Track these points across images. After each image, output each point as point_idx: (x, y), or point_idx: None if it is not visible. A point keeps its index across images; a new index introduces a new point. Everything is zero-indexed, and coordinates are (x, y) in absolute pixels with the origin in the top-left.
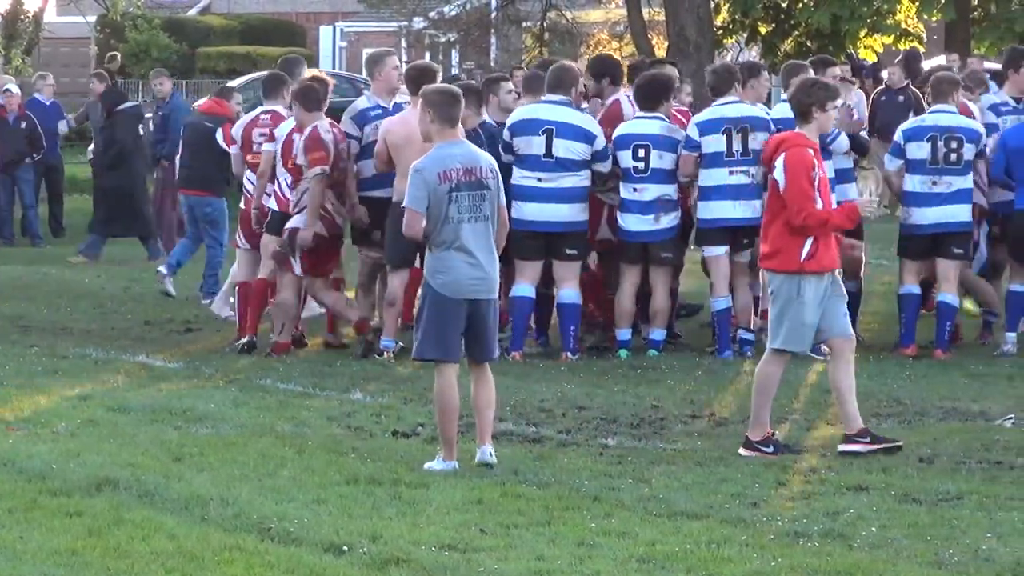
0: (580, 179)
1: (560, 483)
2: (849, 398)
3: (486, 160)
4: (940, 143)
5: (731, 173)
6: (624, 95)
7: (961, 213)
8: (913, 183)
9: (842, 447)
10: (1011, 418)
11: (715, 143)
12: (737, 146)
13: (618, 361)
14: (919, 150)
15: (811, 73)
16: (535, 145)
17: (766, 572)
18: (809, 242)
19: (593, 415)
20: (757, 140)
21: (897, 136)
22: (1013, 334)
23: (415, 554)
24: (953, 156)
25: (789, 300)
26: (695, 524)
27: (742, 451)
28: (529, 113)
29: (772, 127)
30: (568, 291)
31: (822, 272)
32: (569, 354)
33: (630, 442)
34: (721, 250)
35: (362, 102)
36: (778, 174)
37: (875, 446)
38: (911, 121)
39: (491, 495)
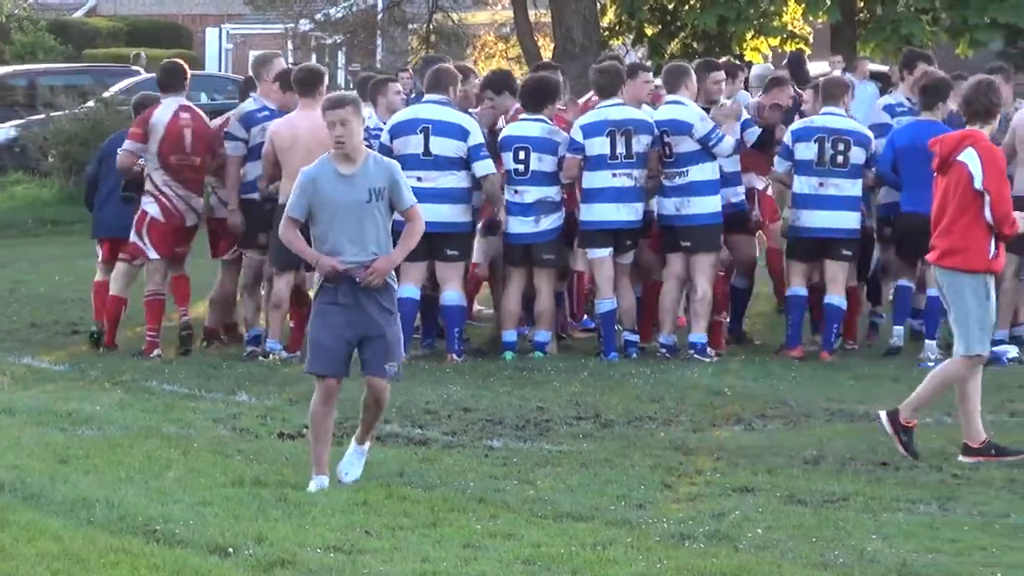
0: (459, 179)
1: (445, 485)
2: (976, 407)
3: None
4: (827, 145)
5: (614, 176)
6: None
7: (848, 216)
8: (800, 184)
9: (964, 458)
10: None
11: (599, 146)
12: (621, 149)
13: (503, 363)
14: (806, 151)
15: (694, 75)
16: (413, 144)
17: (652, 574)
18: (993, 240)
19: (479, 417)
20: (641, 143)
21: (786, 137)
22: (900, 328)
23: (300, 556)
24: (840, 158)
25: (978, 300)
26: (580, 526)
27: (962, 458)
28: (408, 114)
29: (655, 130)
30: (451, 293)
31: (998, 272)
32: (454, 356)
33: (515, 444)
34: (605, 252)
35: (248, 104)
36: (974, 169)
37: (1001, 458)
38: (800, 122)
39: (376, 497)
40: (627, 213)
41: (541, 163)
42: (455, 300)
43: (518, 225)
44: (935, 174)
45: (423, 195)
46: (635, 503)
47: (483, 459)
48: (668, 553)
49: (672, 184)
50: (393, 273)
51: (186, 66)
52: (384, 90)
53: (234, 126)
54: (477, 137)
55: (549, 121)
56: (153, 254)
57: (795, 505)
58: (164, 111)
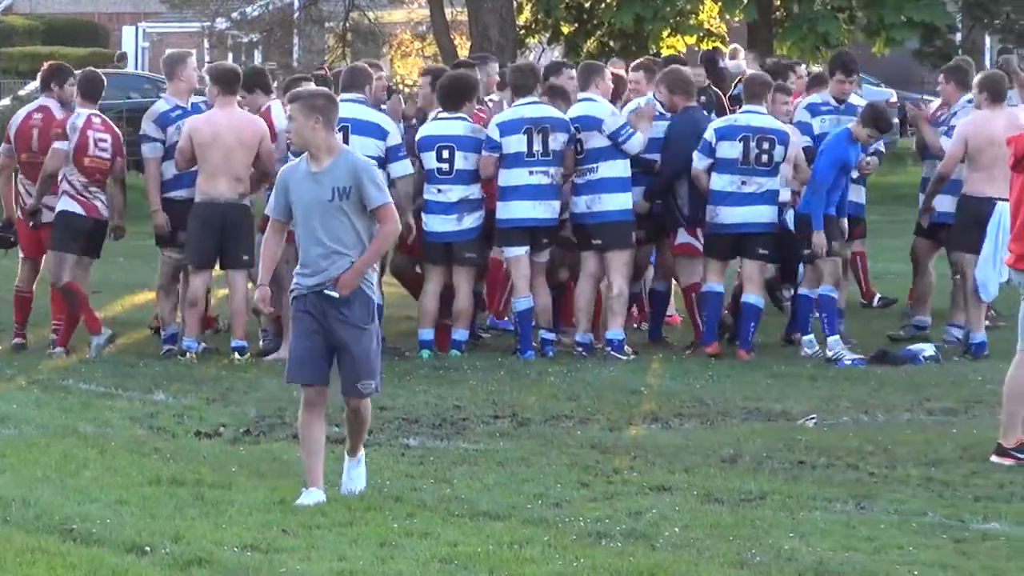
0: None
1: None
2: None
3: None
4: (752, 143)
5: (531, 173)
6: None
7: (766, 213)
8: (722, 182)
9: (996, 459)
10: (813, 418)
11: (516, 143)
12: (538, 146)
13: (420, 361)
14: (731, 149)
15: (608, 73)
16: None
17: (568, 573)
18: None
19: (395, 415)
20: (558, 141)
21: (708, 135)
22: (809, 336)
23: (217, 554)
24: (764, 157)
25: None
26: (497, 524)
27: (994, 458)
28: None
29: (571, 127)
30: None
31: None
32: None
33: (432, 442)
34: (521, 251)
35: (161, 105)
36: None
37: None
38: (723, 120)
39: (293, 496)
40: (543, 211)
41: (466, 162)
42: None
43: (440, 224)
44: (1012, 172)
45: None
46: (552, 502)
47: (399, 458)
48: (585, 552)
49: (583, 181)
50: (371, 281)
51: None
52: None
53: (149, 127)
54: (396, 137)
55: (469, 119)
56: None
57: (712, 504)
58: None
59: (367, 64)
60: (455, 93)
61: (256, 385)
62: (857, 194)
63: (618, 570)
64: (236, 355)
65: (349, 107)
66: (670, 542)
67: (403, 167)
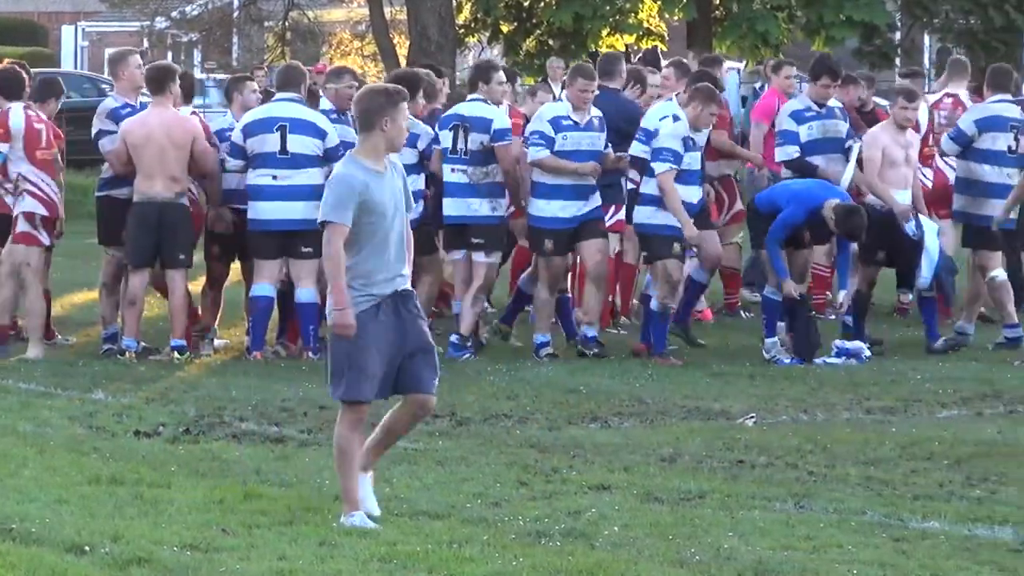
0: (314, 177)
1: (302, 483)
2: None
3: None
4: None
5: (452, 171)
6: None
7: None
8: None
9: None
10: (752, 417)
11: (445, 139)
12: (461, 144)
13: None
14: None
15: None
16: (270, 143)
17: (508, 572)
18: None
19: (334, 414)
20: (475, 141)
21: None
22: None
23: (157, 554)
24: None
25: None
26: (437, 524)
27: None
28: (263, 112)
29: (491, 128)
30: (306, 291)
31: None
32: (310, 353)
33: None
34: (459, 254)
35: (110, 102)
36: None
37: None
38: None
39: (233, 495)
40: (464, 209)
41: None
42: (310, 298)
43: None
44: None
45: (278, 193)
46: (491, 501)
47: None
48: (524, 551)
49: (485, 183)
50: None
51: (25, 73)
52: (241, 88)
53: (104, 123)
54: (335, 137)
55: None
56: (47, 240)
57: (651, 503)
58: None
59: (297, 64)
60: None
61: (195, 384)
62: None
63: (557, 569)
64: (175, 354)
65: (286, 106)
66: (609, 541)
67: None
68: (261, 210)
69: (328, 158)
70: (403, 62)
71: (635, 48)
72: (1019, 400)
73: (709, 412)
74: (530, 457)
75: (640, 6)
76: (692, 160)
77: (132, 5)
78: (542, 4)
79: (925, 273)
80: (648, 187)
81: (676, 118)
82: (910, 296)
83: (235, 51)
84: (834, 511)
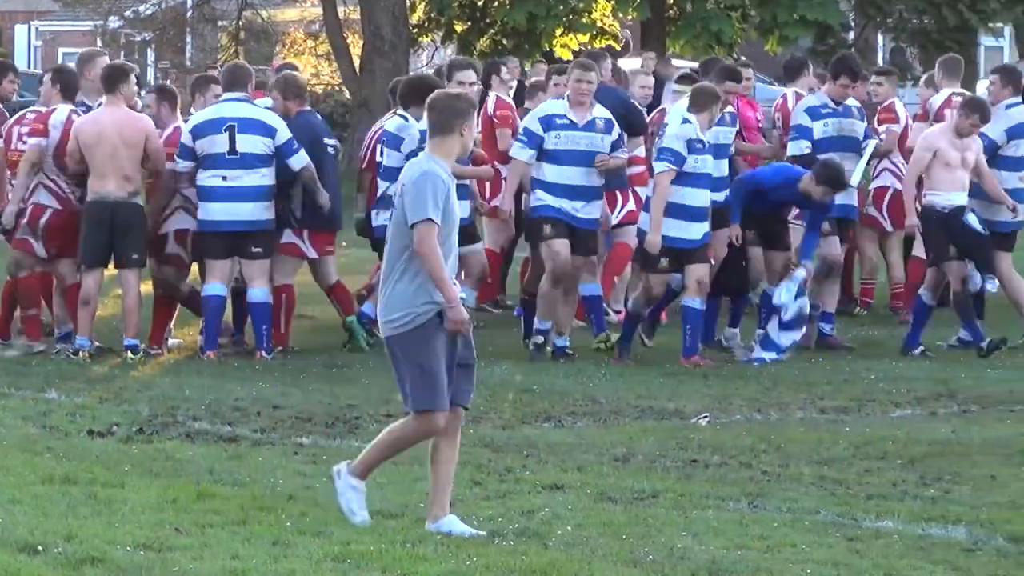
0: (263, 177)
1: (255, 482)
2: None
3: (404, 175)
4: None
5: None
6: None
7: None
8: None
9: None
10: (706, 416)
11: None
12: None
13: (314, 359)
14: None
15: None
16: (219, 143)
17: (461, 571)
18: None
19: (288, 414)
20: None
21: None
22: (734, 330)
23: (110, 554)
24: None
25: None
26: (390, 523)
27: None
28: (211, 113)
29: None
30: (257, 290)
31: None
32: (263, 353)
33: (325, 441)
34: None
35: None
36: None
37: None
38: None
39: (186, 495)
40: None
41: (388, 159)
42: (262, 297)
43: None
44: None
45: (227, 194)
46: None
47: (293, 457)
48: (478, 550)
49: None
50: None
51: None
52: (204, 88)
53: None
54: (285, 133)
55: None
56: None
57: (605, 503)
58: None
59: (243, 63)
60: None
61: (149, 384)
62: (848, 196)
63: (511, 569)
64: (129, 354)
65: (234, 106)
66: (563, 541)
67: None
68: (211, 211)
69: (280, 155)
70: (357, 61)
71: (588, 47)
72: (973, 400)
73: (663, 412)
74: (484, 456)
75: (594, 6)
76: (701, 162)
77: (85, 4)
78: (496, 4)
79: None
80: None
81: (685, 120)
82: (994, 284)
83: (189, 50)
84: (788, 510)
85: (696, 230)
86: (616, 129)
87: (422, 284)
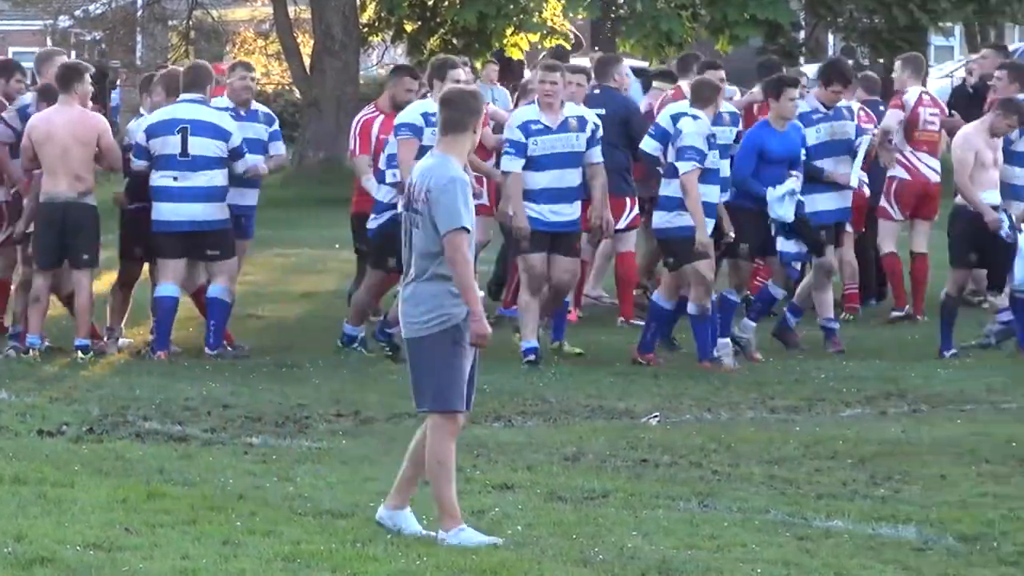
0: (214, 178)
1: (205, 482)
2: None
3: (426, 178)
4: None
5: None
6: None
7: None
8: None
9: None
10: (656, 416)
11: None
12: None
13: (263, 360)
14: None
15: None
16: (171, 144)
17: (412, 571)
18: None
19: (238, 414)
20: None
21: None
22: (726, 339)
23: (60, 553)
24: None
25: None
26: (341, 523)
27: None
28: (166, 114)
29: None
30: (218, 286)
31: None
32: (207, 350)
33: (275, 441)
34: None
35: (26, 98)
36: None
37: None
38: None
39: (136, 494)
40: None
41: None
42: (219, 294)
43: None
44: None
45: (178, 195)
46: None
47: (243, 456)
48: (428, 550)
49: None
50: None
51: None
52: (152, 89)
53: (14, 120)
54: (239, 137)
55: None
56: None
57: (555, 502)
58: None
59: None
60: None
61: (99, 384)
62: (843, 199)
63: (461, 568)
64: (79, 353)
65: (189, 108)
66: (513, 540)
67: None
68: (163, 211)
69: (233, 158)
70: (307, 61)
71: (539, 47)
72: (923, 399)
73: (613, 411)
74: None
75: (544, 5)
76: (713, 159)
77: (35, 4)
78: (446, 3)
79: (1019, 275)
80: (668, 189)
81: (696, 117)
82: (1000, 298)
83: (139, 50)
84: (738, 510)
85: (709, 226)
86: (591, 125)
87: (454, 286)
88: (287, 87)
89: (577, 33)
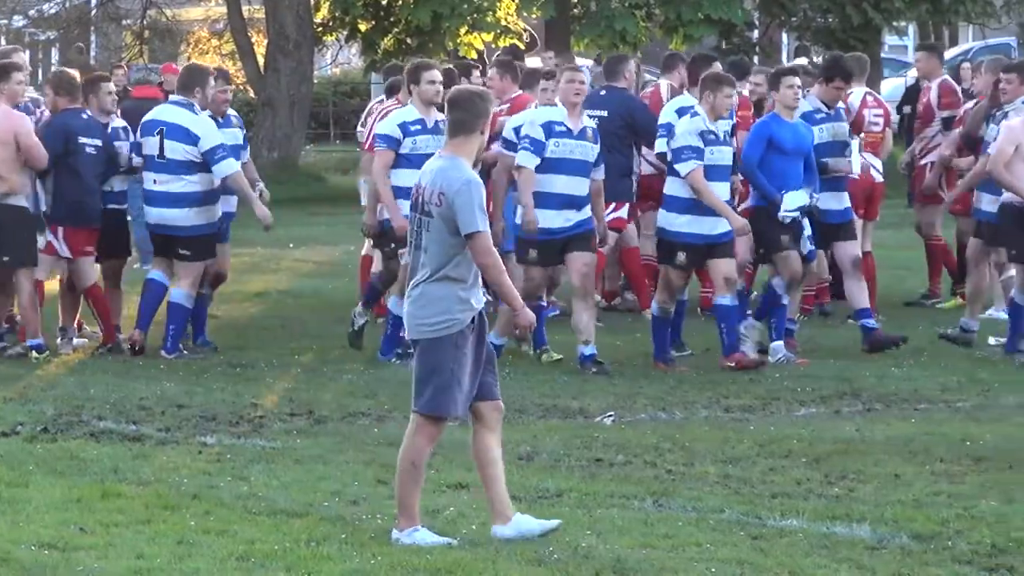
0: (187, 184)
1: (160, 481)
2: None
3: (438, 180)
4: None
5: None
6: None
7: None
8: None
9: None
10: (611, 415)
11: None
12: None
13: (217, 359)
14: None
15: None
16: (151, 146)
17: (366, 570)
18: None
19: (192, 413)
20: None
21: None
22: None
23: (15, 553)
24: None
25: None
26: (295, 522)
27: None
28: (153, 115)
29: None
30: (178, 291)
31: None
32: (164, 352)
33: (229, 440)
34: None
35: None
36: None
37: None
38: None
39: (91, 494)
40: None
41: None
42: (179, 298)
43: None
44: None
45: (157, 197)
46: (349, 499)
47: (197, 456)
48: (382, 549)
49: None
50: None
51: None
52: (96, 89)
53: None
54: (209, 142)
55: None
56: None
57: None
58: None
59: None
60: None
61: (53, 383)
62: (839, 200)
63: (416, 568)
64: (34, 353)
65: (170, 110)
66: (468, 539)
67: (222, 169)
68: (148, 212)
69: (208, 162)
70: (261, 60)
71: (493, 46)
72: (877, 398)
73: (567, 410)
74: (388, 455)
75: (498, 5)
76: (718, 154)
77: None
78: (400, 3)
79: None
80: (671, 188)
81: (694, 113)
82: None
83: (93, 49)
84: (692, 509)
85: (716, 224)
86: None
87: (462, 290)
88: (241, 87)
89: (532, 32)
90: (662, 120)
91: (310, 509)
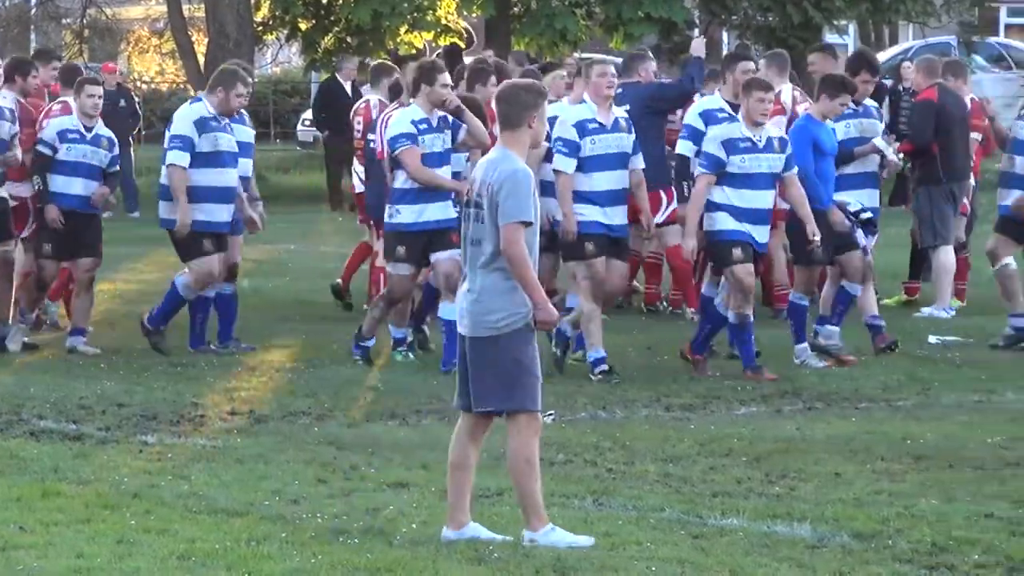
0: (163, 177)
1: (100, 480)
2: None
3: (489, 171)
4: None
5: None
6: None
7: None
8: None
9: None
10: (552, 414)
11: None
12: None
13: (159, 358)
14: None
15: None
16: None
17: (306, 569)
18: None
19: (133, 412)
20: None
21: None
22: (803, 345)
23: None
24: None
25: None
26: (235, 521)
27: None
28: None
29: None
30: (181, 278)
31: None
32: (147, 320)
33: (170, 439)
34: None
35: None
36: None
37: None
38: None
39: (31, 493)
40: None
41: None
42: (178, 284)
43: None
44: None
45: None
46: (289, 498)
47: (137, 454)
48: (323, 548)
49: None
50: None
51: None
52: (79, 91)
53: None
54: (171, 131)
55: None
56: None
57: None
58: None
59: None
60: None
61: None
62: (872, 198)
63: (356, 567)
64: None
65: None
66: (408, 538)
67: (167, 158)
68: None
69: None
70: (202, 60)
71: (433, 45)
72: (818, 397)
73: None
74: (329, 454)
75: (438, 3)
76: (752, 162)
77: None
78: (340, 2)
79: None
80: (716, 195)
81: (732, 118)
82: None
83: (32, 48)
84: (633, 508)
85: (755, 233)
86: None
87: (518, 284)
88: (181, 86)
89: (471, 31)
90: (686, 121)
91: (251, 508)
